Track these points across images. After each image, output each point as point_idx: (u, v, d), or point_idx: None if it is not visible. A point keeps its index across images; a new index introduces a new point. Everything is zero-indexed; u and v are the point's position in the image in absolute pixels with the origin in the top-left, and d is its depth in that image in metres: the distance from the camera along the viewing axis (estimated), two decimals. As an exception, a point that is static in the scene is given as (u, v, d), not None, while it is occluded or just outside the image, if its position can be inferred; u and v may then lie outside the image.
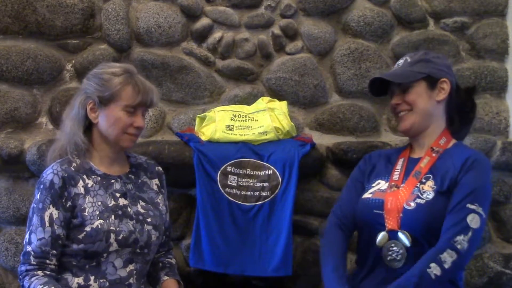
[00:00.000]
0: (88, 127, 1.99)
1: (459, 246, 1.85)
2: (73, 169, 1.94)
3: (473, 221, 1.87)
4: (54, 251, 1.87)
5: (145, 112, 2.02)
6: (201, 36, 2.83)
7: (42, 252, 1.86)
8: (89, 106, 1.96)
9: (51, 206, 1.88)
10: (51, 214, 1.87)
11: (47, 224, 1.87)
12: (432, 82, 2.04)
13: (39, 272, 1.85)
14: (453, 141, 2.08)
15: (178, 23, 2.81)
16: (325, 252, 2.09)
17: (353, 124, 2.84)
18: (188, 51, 2.83)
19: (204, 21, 2.82)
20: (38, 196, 1.90)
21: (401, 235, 1.93)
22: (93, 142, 1.99)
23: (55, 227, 1.87)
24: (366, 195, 2.06)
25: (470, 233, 1.86)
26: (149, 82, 2.02)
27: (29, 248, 1.87)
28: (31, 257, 1.86)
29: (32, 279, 1.84)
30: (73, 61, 2.78)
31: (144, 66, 2.79)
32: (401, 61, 2.13)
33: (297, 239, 2.62)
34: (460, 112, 2.09)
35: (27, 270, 1.86)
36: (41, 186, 1.90)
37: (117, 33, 2.76)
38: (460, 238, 1.85)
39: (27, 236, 1.89)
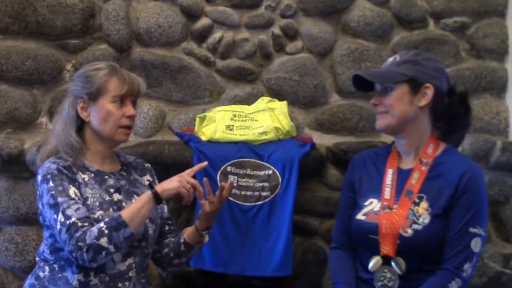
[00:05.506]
0: (79, 127, 1.99)
1: (464, 274, 1.89)
2: (69, 163, 1.94)
3: (476, 245, 1.89)
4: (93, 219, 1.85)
5: (134, 103, 2.02)
6: (201, 36, 2.83)
7: (86, 217, 1.83)
8: (79, 105, 1.96)
9: (71, 186, 1.87)
10: (75, 192, 1.86)
11: (76, 198, 1.85)
12: (415, 86, 1.94)
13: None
14: (442, 146, 2.01)
15: (178, 23, 2.81)
16: (335, 277, 2.06)
17: (353, 124, 2.84)
18: (188, 51, 2.83)
19: (204, 21, 2.82)
20: (51, 184, 1.86)
21: (395, 262, 1.92)
22: (85, 141, 1.99)
23: (82, 201, 1.86)
24: (360, 216, 2.00)
25: (474, 259, 1.90)
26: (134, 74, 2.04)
27: (72, 220, 1.80)
28: (79, 223, 1.80)
29: (92, 228, 1.80)
30: (73, 61, 2.79)
31: (144, 66, 2.79)
32: (390, 59, 2.03)
33: (297, 239, 2.61)
34: (453, 117, 2.01)
35: (83, 232, 1.79)
36: (49, 176, 1.88)
37: (117, 33, 2.77)
38: (466, 266, 1.88)
39: (60, 216, 1.82)
